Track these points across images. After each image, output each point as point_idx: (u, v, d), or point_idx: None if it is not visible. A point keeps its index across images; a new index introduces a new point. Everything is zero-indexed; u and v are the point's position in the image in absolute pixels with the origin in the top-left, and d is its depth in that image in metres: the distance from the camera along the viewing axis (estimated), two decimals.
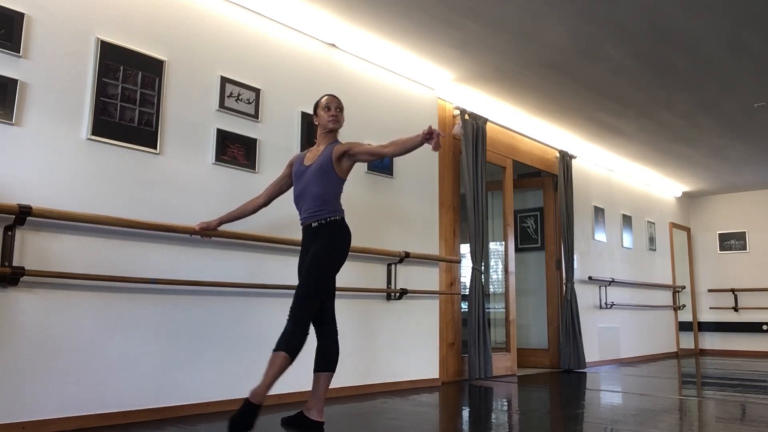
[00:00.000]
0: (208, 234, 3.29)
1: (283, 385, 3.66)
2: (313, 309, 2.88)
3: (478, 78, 5.05)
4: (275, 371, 2.70)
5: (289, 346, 2.74)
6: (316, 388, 2.93)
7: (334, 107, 3.10)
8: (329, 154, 3.01)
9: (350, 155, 3.01)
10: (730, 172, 8.24)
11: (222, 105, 3.58)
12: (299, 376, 3.68)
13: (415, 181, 4.84)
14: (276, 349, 2.74)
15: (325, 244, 2.93)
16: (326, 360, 2.96)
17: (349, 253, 4.03)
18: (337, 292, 4.04)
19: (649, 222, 8.48)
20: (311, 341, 2.99)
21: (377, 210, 4.47)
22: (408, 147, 2.85)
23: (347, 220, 3.12)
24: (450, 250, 5.14)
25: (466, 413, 3.73)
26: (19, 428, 2.64)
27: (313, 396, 2.93)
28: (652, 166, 7.94)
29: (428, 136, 2.73)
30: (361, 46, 4.37)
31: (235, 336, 3.48)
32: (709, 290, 9.49)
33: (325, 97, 3.15)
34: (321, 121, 3.12)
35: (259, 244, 3.63)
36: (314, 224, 2.96)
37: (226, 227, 3.36)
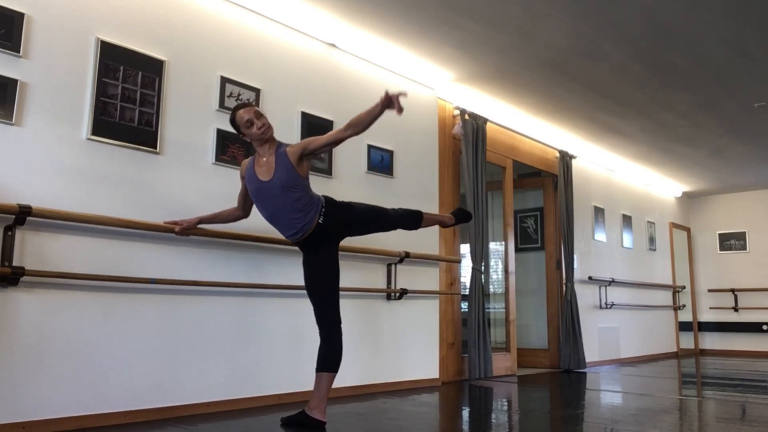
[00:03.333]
0: (187, 233, 3.18)
1: (283, 385, 3.67)
2: None
3: (478, 78, 5.05)
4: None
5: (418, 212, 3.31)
6: (318, 388, 2.93)
7: (256, 118, 2.93)
8: (288, 165, 2.91)
9: (307, 154, 2.96)
10: (730, 172, 8.24)
11: (222, 105, 3.58)
12: (299, 376, 3.69)
13: (415, 181, 4.84)
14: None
15: (345, 208, 3.06)
16: (329, 360, 2.95)
17: (349, 253, 4.06)
18: None
19: (649, 222, 8.48)
20: (316, 340, 2.99)
21: None
22: (367, 121, 2.86)
23: None
24: (450, 250, 5.14)
25: (466, 413, 3.73)
26: (19, 428, 2.64)
27: (316, 395, 2.93)
28: (652, 166, 7.94)
29: (387, 102, 2.75)
30: (361, 46, 4.37)
31: (235, 336, 3.48)
32: (709, 290, 9.48)
33: (240, 112, 2.94)
34: (253, 136, 2.95)
35: (258, 244, 3.63)
36: (320, 221, 2.96)
37: (228, 227, 3.37)
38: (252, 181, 2.99)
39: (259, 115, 2.95)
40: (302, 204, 2.93)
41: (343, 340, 3.00)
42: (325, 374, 2.92)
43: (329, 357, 2.94)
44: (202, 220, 3.20)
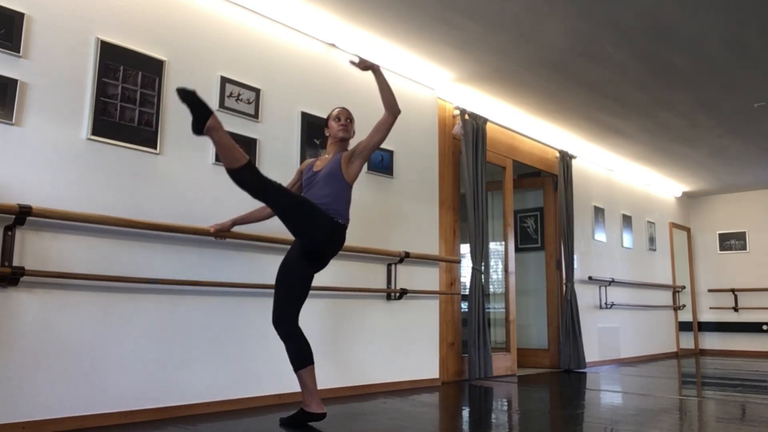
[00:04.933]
0: (223, 235, 3.33)
1: (283, 385, 3.67)
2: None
3: (478, 78, 5.05)
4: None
5: None
6: (305, 385, 2.96)
7: (344, 117, 3.25)
8: (338, 160, 3.15)
9: (358, 153, 3.16)
10: (730, 172, 8.24)
11: (222, 105, 3.58)
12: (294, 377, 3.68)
13: (415, 181, 4.84)
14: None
15: (317, 232, 3.01)
16: (303, 356, 2.97)
17: (349, 253, 4.06)
18: (337, 292, 4.05)
19: (649, 222, 8.48)
20: (315, 340, 2.98)
21: (377, 210, 4.47)
22: (387, 91, 3.10)
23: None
24: (450, 250, 5.14)
25: (466, 413, 3.73)
26: (19, 428, 2.64)
27: (306, 392, 2.96)
28: (652, 166, 7.94)
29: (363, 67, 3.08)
30: (361, 46, 4.37)
31: (235, 336, 3.48)
32: (709, 290, 9.48)
33: (337, 109, 3.30)
34: (331, 132, 3.27)
35: (259, 244, 3.63)
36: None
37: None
38: (307, 172, 3.26)
39: (349, 120, 3.27)
40: (331, 196, 3.05)
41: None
42: (303, 370, 2.95)
43: (303, 352, 2.97)
44: (235, 222, 3.33)
